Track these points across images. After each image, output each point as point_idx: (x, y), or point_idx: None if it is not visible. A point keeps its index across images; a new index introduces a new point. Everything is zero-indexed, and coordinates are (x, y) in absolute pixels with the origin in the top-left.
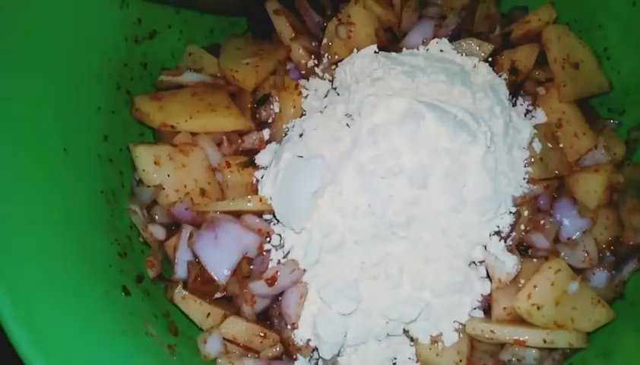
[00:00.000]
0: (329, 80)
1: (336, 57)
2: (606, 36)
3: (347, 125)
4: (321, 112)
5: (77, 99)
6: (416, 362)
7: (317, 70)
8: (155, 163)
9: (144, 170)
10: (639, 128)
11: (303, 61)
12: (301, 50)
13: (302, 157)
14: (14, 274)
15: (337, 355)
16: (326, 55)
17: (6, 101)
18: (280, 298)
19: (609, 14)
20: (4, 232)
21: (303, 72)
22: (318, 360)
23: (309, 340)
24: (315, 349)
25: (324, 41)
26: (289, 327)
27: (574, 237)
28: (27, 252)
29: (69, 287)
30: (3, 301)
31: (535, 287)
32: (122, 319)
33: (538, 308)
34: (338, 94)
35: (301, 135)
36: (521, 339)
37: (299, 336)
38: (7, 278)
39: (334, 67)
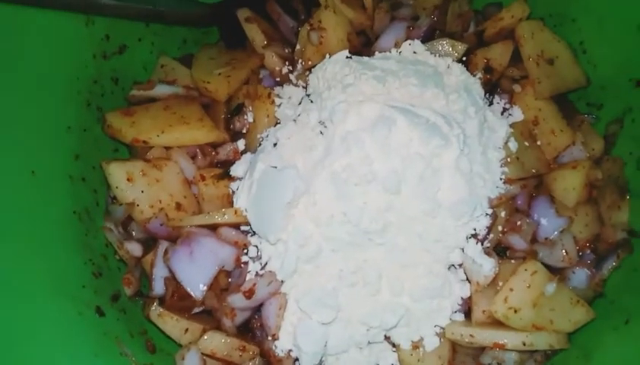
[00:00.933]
0: (303, 87)
1: (309, 63)
2: (581, 30)
3: (320, 132)
4: (294, 120)
5: (45, 121)
6: None
7: (291, 77)
8: (128, 179)
9: (117, 187)
10: (617, 122)
11: (277, 68)
12: (274, 57)
13: (275, 167)
14: None
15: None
16: (300, 61)
17: None
18: (260, 309)
19: (583, 8)
20: None
21: (278, 79)
22: None
23: (290, 350)
24: (297, 359)
25: (298, 47)
26: (269, 338)
27: (552, 237)
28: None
29: (39, 310)
30: None
31: (511, 290)
32: (95, 341)
33: (515, 311)
34: (312, 101)
35: (275, 145)
36: (500, 342)
37: (280, 347)
38: None
39: (307, 73)
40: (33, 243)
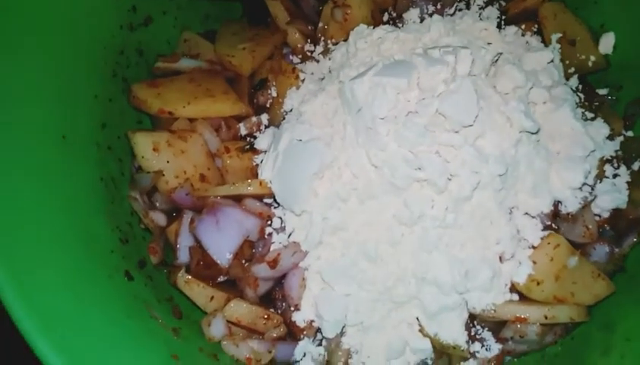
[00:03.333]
0: (327, 61)
1: (332, 40)
2: (603, 12)
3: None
4: (317, 95)
5: (74, 87)
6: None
7: (314, 53)
8: (154, 149)
9: (143, 157)
10: (636, 103)
11: (300, 45)
12: (297, 34)
13: (300, 140)
14: (18, 260)
15: (341, 335)
16: (322, 38)
17: (3, 91)
18: (282, 280)
19: None
20: (6, 219)
21: (300, 56)
22: (321, 340)
23: (312, 321)
24: (319, 329)
25: (320, 24)
26: (292, 308)
27: (574, 212)
28: (30, 238)
29: (72, 272)
30: (8, 287)
31: (534, 262)
32: (126, 303)
33: (538, 283)
34: (335, 76)
35: (299, 119)
36: (522, 316)
37: (302, 317)
38: (11, 265)
39: (331, 49)
40: (64, 205)
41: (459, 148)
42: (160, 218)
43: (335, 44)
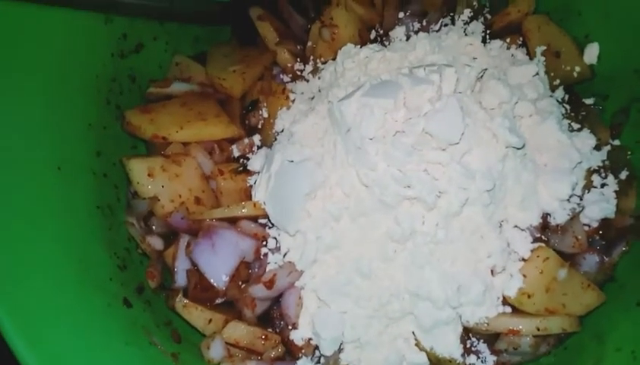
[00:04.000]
0: (317, 81)
1: (321, 59)
2: (586, 23)
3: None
4: (308, 115)
5: (68, 118)
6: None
7: (303, 73)
8: (149, 175)
9: (138, 183)
10: (623, 112)
11: (289, 65)
12: (286, 54)
13: (292, 161)
14: (15, 291)
15: (339, 351)
16: (311, 57)
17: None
18: (279, 300)
19: (588, 1)
20: (4, 251)
21: (290, 76)
22: (320, 357)
23: (310, 339)
24: (317, 347)
25: (309, 44)
26: (289, 327)
27: (563, 223)
28: (28, 270)
29: (71, 302)
30: (5, 319)
31: (525, 276)
32: (125, 331)
33: (529, 296)
34: (324, 95)
35: (290, 139)
36: (515, 329)
37: (300, 335)
38: (8, 297)
39: (320, 67)
40: (61, 236)
41: (446, 165)
42: (157, 243)
43: (324, 63)
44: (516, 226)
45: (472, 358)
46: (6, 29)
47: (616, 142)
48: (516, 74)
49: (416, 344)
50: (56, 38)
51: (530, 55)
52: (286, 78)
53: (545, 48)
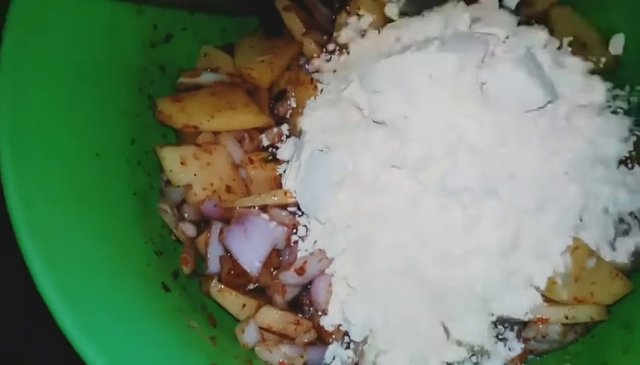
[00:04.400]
0: (344, 69)
1: (348, 48)
2: (611, 15)
3: (362, 111)
4: (335, 104)
5: (103, 106)
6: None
7: (330, 63)
8: (182, 163)
9: (171, 171)
10: None
11: (316, 55)
12: (313, 44)
13: (322, 150)
14: (63, 275)
15: (368, 337)
16: (337, 47)
17: (39, 113)
18: (309, 286)
19: None
20: (50, 238)
21: (317, 65)
22: (349, 342)
23: (340, 325)
24: (346, 333)
25: (335, 34)
26: (319, 313)
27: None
28: (73, 254)
29: (114, 287)
30: (57, 302)
31: (554, 264)
32: (166, 314)
33: (558, 285)
34: (351, 81)
35: (318, 128)
36: (544, 317)
37: (330, 321)
38: (57, 280)
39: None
40: (102, 222)
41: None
42: (189, 229)
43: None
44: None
45: (500, 346)
46: (42, 19)
47: None
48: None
49: (446, 331)
50: (91, 28)
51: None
52: (312, 68)
53: (571, 39)
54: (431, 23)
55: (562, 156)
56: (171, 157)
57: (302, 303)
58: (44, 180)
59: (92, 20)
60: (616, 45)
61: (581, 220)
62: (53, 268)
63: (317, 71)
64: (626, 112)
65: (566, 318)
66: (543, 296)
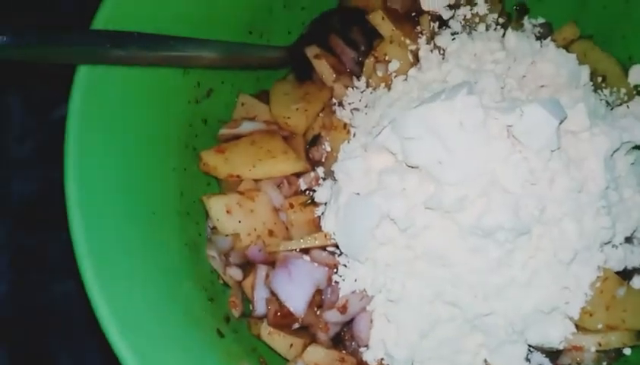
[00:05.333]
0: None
1: (377, 92)
2: (630, 46)
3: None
4: (367, 148)
5: (156, 165)
6: None
7: (360, 105)
8: (227, 211)
9: (218, 220)
10: None
11: (347, 100)
12: (343, 89)
13: (358, 193)
14: (132, 328)
15: None
16: (366, 90)
17: (105, 177)
18: (350, 323)
19: (632, 25)
20: (119, 292)
21: (349, 110)
22: None
23: (382, 359)
24: None
25: (363, 78)
26: (361, 349)
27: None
28: (139, 306)
29: (176, 335)
30: (126, 353)
31: (586, 295)
32: (224, 360)
33: (590, 315)
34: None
35: (354, 172)
36: (578, 345)
37: (372, 356)
38: (127, 336)
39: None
40: (162, 275)
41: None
42: (237, 274)
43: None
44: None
45: None
46: (107, 90)
47: None
48: None
49: (485, 362)
50: (144, 93)
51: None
52: (343, 112)
53: (591, 72)
54: (454, 68)
55: (587, 189)
56: (217, 207)
57: (344, 339)
58: (110, 241)
59: (144, 86)
60: (636, 75)
61: (613, 245)
62: (123, 323)
63: (354, 109)
64: None
65: (599, 344)
66: (576, 325)
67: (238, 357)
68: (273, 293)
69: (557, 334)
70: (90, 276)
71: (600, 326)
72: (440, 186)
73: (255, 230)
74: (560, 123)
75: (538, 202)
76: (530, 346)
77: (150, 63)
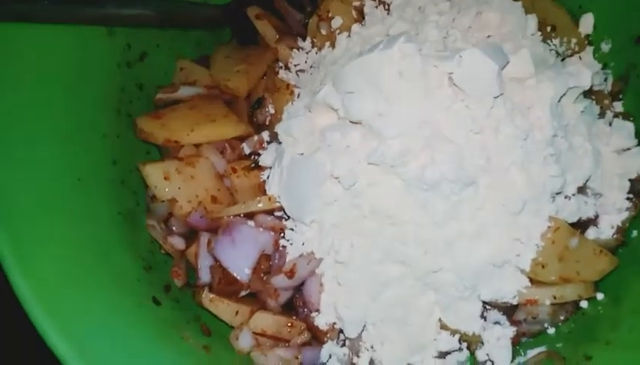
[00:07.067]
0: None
1: (321, 51)
2: None
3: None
4: (311, 108)
5: (83, 131)
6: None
7: (305, 66)
8: (165, 178)
9: (156, 187)
10: (622, 79)
11: (291, 60)
12: (287, 50)
13: (301, 154)
14: (52, 297)
15: (363, 333)
16: (311, 50)
17: (21, 143)
18: (301, 287)
19: None
20: (37, 262)
21: (293, 70)
22: (344, 340)
23: (334, 323)
24: (341, 330)
25: (308, 38)
26: (313, 314)
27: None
28: (61, 277)
29: (104, 304)
30: (45, 321)
31: (537, 246)
32: (158, 328)
33: (543, 266)
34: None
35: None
36: (532, 298)
37: (324, 320)
38: (47, 301)
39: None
40: (88, 243)
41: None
42: (178, 242)
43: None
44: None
45: (492, 330)
46: (17, 48)
47: (618, 109)
48: None
49: (439, 321)
50: (64, 54)
51: None
52: (289, 74)
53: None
54: (397, 20)
55: (534, 137)
56: (154, 174)
57: (296, 305)
58: (30, 205)
59: (64, 46)
60: (586, 24)
61: (565, 196)
62: (43, 293)
63: (299, 71)
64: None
65: (554, 298)
66: (529, 278)
67: (175, 324)
68: (217, 261)
69: (510, 288)
70: (7, 249)
71: (553, 278)
72: (382, 140)
73: (197, 196)
74: (502, 69)
75: (483, 151)
76: (485, 303)
77: (70, 20)
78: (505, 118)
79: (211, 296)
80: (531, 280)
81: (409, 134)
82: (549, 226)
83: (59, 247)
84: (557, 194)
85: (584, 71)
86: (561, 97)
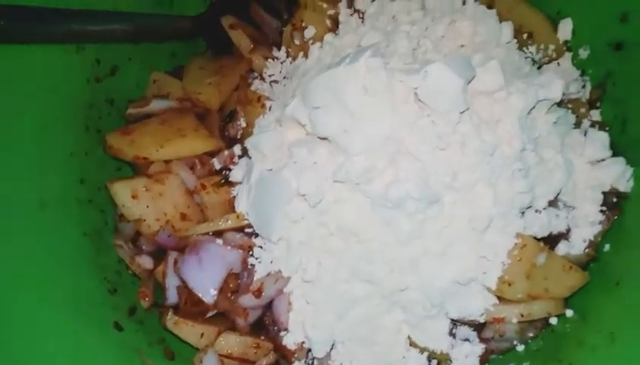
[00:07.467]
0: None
1: (296, 61)
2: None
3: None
4: (281, 122)
5: (47, 150)
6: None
7: (279, 76)
8: (133, 197)
9: (123, 206)
10: (599, 87)
11: (266, 71)
12: (261, 60)
13: (270, 170)
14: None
15: (331, 352)
16: (286, 60)
17: None
18: (271, 306)
19: None
20: None
21: (268, 81)
22: (313, 359)
23: (302, 342)
24: (309, 350)
25: (283, 48)
26: (282, 333)
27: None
28: (19, 306)
29: (62, 331)
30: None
31: (503, 263)
32: (116, 355)
33: (509, 284)
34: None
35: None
36: (499, 317)
37: (293, 340)
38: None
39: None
40: (48, 268)
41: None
42: (146, 262)
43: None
44: None
45: (461, 348)
46: None
47: (596, 118)
48: None
49: (408, 339)
50: (29, 70)
51: None
52: (263, 84)
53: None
54: (370, 30)
55: (502, 151)
56: (122, 192)
57: (266, 324)
58: None
59: (30, 65)
60: (565, 30)
61: (536, 211)
62: None
63: (273, 81)
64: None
65: (521, 315)
66: (497, 296)
67: (137, 349)
68: (183, 281)
69: (477, 306)
70: None
71: (520, 296)
72: (348, 157)
73: (165, 214)
74: (469, 82)
75: (448, 168)
76: (454, 320)
77: (44, 40)
78: (472, 133)
79: (175, 318)
80: (499, 298)
81: (373, 151)
82: (515, 243)
83: (16, 269)
84: (527, 208)
85: (556, 82)
86: (531, 109)
